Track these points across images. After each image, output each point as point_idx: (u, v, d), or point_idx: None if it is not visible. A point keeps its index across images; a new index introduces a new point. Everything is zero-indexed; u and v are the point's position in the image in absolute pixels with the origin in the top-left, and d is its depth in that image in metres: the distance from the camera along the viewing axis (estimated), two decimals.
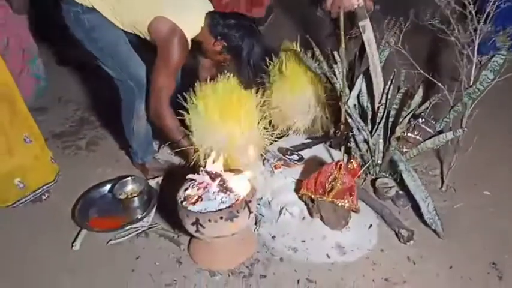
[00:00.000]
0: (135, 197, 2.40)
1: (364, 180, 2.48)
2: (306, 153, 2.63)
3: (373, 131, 2.34)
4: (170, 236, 2.21)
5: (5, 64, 2.31)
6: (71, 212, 2.38)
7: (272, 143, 2.62)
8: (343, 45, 2.28)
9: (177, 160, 2.71)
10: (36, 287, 2.04)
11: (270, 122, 2.63)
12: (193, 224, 1.91)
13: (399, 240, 2.11)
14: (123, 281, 2.02)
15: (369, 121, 2.40)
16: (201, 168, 2.07)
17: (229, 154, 2.30)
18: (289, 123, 2.78)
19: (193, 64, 2.63)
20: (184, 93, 2.34)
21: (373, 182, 2.45)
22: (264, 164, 2.53)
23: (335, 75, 2.45)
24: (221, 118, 2.33)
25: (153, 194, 2.43)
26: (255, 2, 3.22)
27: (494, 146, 2.69)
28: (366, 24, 2.27)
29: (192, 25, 2.25)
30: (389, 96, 2.27)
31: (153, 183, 2.52)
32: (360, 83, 2.43)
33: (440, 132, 2.34)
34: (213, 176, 2.02)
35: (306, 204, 2.25)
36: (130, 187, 2.47)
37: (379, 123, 2.32)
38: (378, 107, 2.33)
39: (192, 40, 2.28)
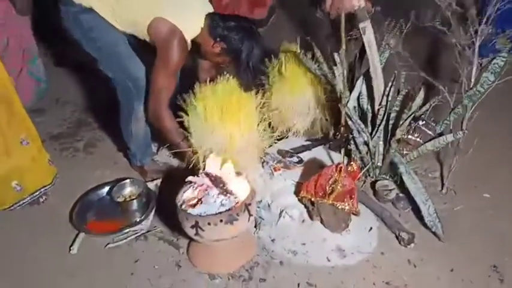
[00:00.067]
0: (133, 199, 2.38)
1: (364, 183, 2.47)
2: (306, 156, 2.63)
3: (373, 133, 2.33)
4: (169, 239, 2.20)
5: (3, 65, 2.28)
6: (69, 215, 2.36)
7: (271, 145, 2.62)
8: (343, 47, 2.27)
9: (176, 162, 2.69)
10: None
11: (269, 124, 2.62)
12: (192, 227, 1.89)
13: (399, 243, 2.10)
14: (121, 284, 2.00)
15: (369, 123, 2.39)
16: (201, 171, 2.05)
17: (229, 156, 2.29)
18: (289, 124, 2.78)
19: (192, 65, 2.61)
20: (184, 95, 2.33)
21: (373, 184, 2.44)
22: (263, 166, 2.52)
23: (335, 76, 2.44)
24: (221, 120, 2.32)
25: (152, 196, 2.41)
26: (257, 2, 3.21)
27: (494, 148, 2.68)
28: (366, 25, 2.26)
29: (192, 26, 2.24)
30: (389, 98, 2.26)
31: (151, 185, 2.51)
32: (360, 85, 2.42)
33: (441, 134, 2.32)
34: (212, 179, 2.01)
35: (305, 207, 2.24)
36: (128, 190, 2.45)
37: (379, 125, 2.30)
38: (378, 109, 2.32)
39: (191, 42, 2.26)
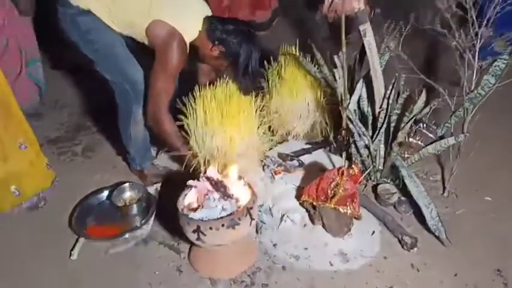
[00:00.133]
0: (133, 204, 2.37)
1: (365, 186, 2.46)
2: (306, 159, 2.62)
3: (374, 136, 2.32)
4: (170, 244, 2.18)
5: (0, 68, 2.27)
6: (68, 220, 2.33)
7: (271, 148, 2.61)
8: (343, 49, 2.26)
9: (175, 166, 2.67)
10: None
11: (269, 127, 2.62)
12: (194, 231, 1.87)
13: (402, 247, 2.09)
14: None
15: (369, 126, 2.38)
16: (201, 175, 2.04)
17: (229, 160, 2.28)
18: (289, 128, 2.77)
19: (192, 69, 2.60)
20: (183, 98, 2.31)
21: (374, 188, 2.43)
22: (264, 169, 2.51)
23: (335, 79, 2.43)
24: (221, 123, 2.31)
25: (152, 201, 2.39)
26: (259, 5, 3.20)
27: (495, 151, 2.67)
28: (366, 28, 2.25)
29: (190, 29, 2.23)
30: (390, 101, 2.25)
31: (151, 189, 2.49)
32: (360, 88, 2.41)
33: (442, 137, 2.32)
34: (213, 183, 1.99)
35: (307, 211, 2.23)
36: (128, 194, 2.44)
37: (380, 128, 2.30)
38: (379, 112, 2.31)
39: (190, 45, 2.25)
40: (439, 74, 3.08)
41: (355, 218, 2.14)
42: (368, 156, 2.41)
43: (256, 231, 2.21)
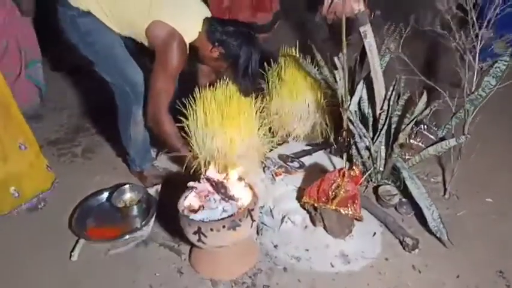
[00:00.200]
0: (133, 205, 2.36)
1: (366, 188, 2.45)
2: (307, 160, 2.61)
3: (375, 137, 2.32)
4: (170, 246, 2.17)
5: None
6: (68, 221, 2.32)
7: (272, 150, 2.60)
8: (344, 51, 2.26)
9: (175, 167, 2.67)
10: None
11: (269, 129, 2.61)
12: (195, 233, 1.87)
13: (404, 248, 2.08)
14: None
15: (370, 128, 2.38)
16: (202, 176, 2.03)
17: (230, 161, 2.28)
18: (289, 129, 2.77)
19: (192, 70, 2.60)
20: (183, 100, 2.31)
21: (375, 189, 2.42)
22: (264, 171, 2.50)
23: (336, 81, 2.43)
24: (221, 125, 2.30)
25: (152, 202, 2.38)
26: (260, 7, 3.20)
27: (496, 153, 2.67)
28: (367, 29, 2.25)
29: (190, 29, 2.22)
30: (391, 103, 2.25)
31: (152, 191, 2.48)
32: (361, 89, 2.41)
33: (442, 138, 2.32)
34: (214, 184, 1.99)
35: (308, 212, 2.22)
36: (128, 195, 2.43)
37: (381, 130, 2.29)
38: (380, 114, 2.31)
39: (190, 46, 2.25)
40: (439, 76, 3.08)
41: (356, 219, 2.13)
42: (369, 157, 2.40)
43: (257, 233, 2.20)
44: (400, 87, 2.26)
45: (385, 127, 2.28)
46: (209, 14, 2.33)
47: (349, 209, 2.07)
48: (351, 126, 2.31)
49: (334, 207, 2.07)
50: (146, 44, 2.23)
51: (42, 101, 3.29)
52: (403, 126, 2.19)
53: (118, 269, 2.08)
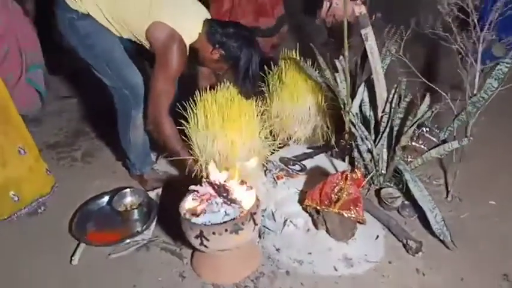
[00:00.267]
0: (134, 209, 2.35)
1: (368, 191, 2.44)
2: (308, 163, 2.60)
3: (377, 140, 2.31)
4: (172, 250, 2.15)
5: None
6: (68, 226, 2.31)
7: (273, 153, 2.59)
8: (346, 53, 2.25)
9: (176, 171, 2.65)
10: None
11: (270, 132, 2.60)
12: (197, 236, 1.85)
13: (407, 251, 2.07)
14: None
15: (372, 130, 2.37)
16: (204, 179, 2.02)
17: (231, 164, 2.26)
18: (290, 132, 2.76)
19: (192, 72, 2.59)
20: (184, 102, 2.30)
21: (377, 192, 2.41)
22: (266, 174, 2.49)
23: (337, 83, 2.42)
24: (222, 127, 2.29)
25: (153, 206, 2.37)
26: (261, 12, 3.21)
27: (497, 155, 2.68)
28: (368, 32, 2.25)
29: (190, 30, 2.21)
30: (393, 105, 2.24)
31: (152, 194, 2.46)
32: (362, 92, 2.41)
33: (444, 141, 2.31)
34: (216, 187, 1.97)
35: (310, 215, 2.21)
36: (129, 199, 2.41)
37: (383, 132, 2.29)
38: (382, 116, 2.30)
39: (190, 47, 2.24)
40: (439, 78, 3.08)
41: (359, 222, 2.12)
42: (371, 160, 2.40)
43: (259, 236, 2.19)
44: (400, 90, 2.25)
45: (387, 130, 2.28)
46: (209, 16, 2.33)
47: (352, 212, 2.06)
48: (353, 129, 2.31)
49: (336, 210, 2.05)
50: (146, 45, 2.22)
51: (43, 104, 3.27)
52: (405, 129, 2.18)
53: (119, 273, 2.06)
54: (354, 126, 2.29)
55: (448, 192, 2.39)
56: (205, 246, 1.86)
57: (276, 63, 2.79)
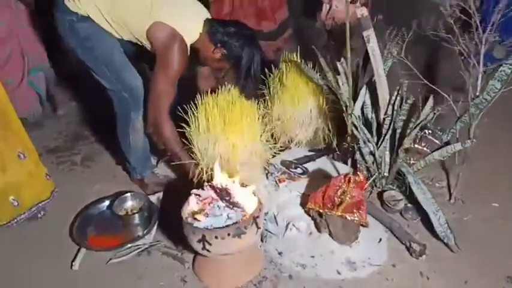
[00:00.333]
0: (135, 213, 2.33)
1: (370, 193, 2.43)
2: (310, 166, 2.58)
3: (379, 142, 2.30)
4: (174, 254, 2.13)
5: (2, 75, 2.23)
6: (69, 230, 2.29)
7: (274, 156, 2.58)
8: (348, 55, 2.24)
9: (177, 175, 2.63)
10: None
11: (271, 135, 2.59)
12: (199, 241, 1.83)
13: (411, 254, 2.05)
14: None
15: (374, 133, 2.36)
16: (205, 183, 2.00)
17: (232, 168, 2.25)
18: (291, 135, 2.74)
19: (192, 73, 2.57)
20: (185, 106, 2.28)
21: (380, 194, 2.40)
22: (267, 177, 2.48)
23: (339, 86, 2.41)
24: (223, 130, 2.28)
25: (154, 210, 2.35)
26: (262, 15, 3.21)
27: (500, 156, 2.67)
28: (370, 34, 2.24)
29: (191, 30, 2.20)
30: (395, 107, 2.23)
31: (153, 198, 2.44)
32: (364, 94, 2.40)
33: (447, 143, 2.30)
34: (218, 191, 1.96)
35: (313, 218, 2.19)
36: (130, 203, 2.39)
37: (385, 134, 2.28)
38: (384, 118, 2.29)
39: (190, 47, 2.23)
40: (441, 80, 3.07)
41: (362, 225, 2.11)
42: (373, 162, 2.38)
43: (261, 240, 2.17)
44: (402, 92, 2.24)
45: (389, 132, 2.26)
46: (209, 16, 2.32)
47: (355, 215, 2.04)
48: (355, 131, 2.29)
49: (339, 214, 2.04)
50: (147, 46, 2.21)
51: (43, 109, 3.26)
52: (408, 131, 2.17)
53: (120, 278, 2.05)
54: (356, 128, 2.28)
55: (450, 194, 2.37)
56: (207, 250, 1.84)
57: (277, 66, 2.78)
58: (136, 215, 2.32)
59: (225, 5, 3.14)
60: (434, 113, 2.25)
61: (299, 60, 2.66)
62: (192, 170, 2.31)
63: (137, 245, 2.17)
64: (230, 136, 2.29)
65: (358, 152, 2.38)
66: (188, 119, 2.30)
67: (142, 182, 2.59)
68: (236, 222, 1.84)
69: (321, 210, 2.10)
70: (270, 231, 2.19)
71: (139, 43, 2.23)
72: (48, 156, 2.95)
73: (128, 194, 2.41)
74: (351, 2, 2.44)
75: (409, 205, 2.29)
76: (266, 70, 2.70)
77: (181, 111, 2.29)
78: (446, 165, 2.56)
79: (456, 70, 2.11)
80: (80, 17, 2.14)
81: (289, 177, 2.48)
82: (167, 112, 2.22)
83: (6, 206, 2.29)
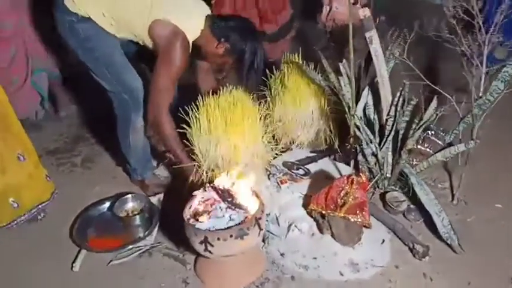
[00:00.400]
0: (136, 215, 2.32)
1: (372, 194, 2.42)
2: (312, 167, 2.56)
3: (382, 143, 2.29)
4: (175, 255, 2.12)
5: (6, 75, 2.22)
6: (69, 232, 2.27)
7: (276, 157, 2.57)
8: (351, 56, 2.24)
9: (178, 176, 2.61)
10: None
11: (273, 136, 2.58)
12: (201, 242, 1.82)
13: (414, 256, 2.04)
14: None
15: (376, 134, 2.35)
16: (207, 184, 1.99)
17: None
18: (293, 136, 2.73)
19: (192, 78, 2.56)
20: (186, 107, 2.27)
21: (382, 196, 2.39)
22: (269, 178, 2.46)
23: (341, 87, 2.40)
24: (225, 132, 2.26)
25: (155, 211, 2.33)
26: (263, 17, 3.22)
27: (502, 157, 2.66)
28: (372, 35, 2.23)
29: (193, 27, 2.19)
30: (398, 108, 2.22)
31: (154, 200, 2.43)
32: (366, 95, 2.39)
33: (450, 144, 2.29)
34: (219, 192, 1.94)
35: (315, 220, 2.18)
36: (130, 205, 2.38)
37: (388, 135, 2.27)
38: (387, 119, 2.28)
39: (192, 44, 2.21)
40: (443, 81, 3.06)
41: (365, 226, 2.09)
42: (375, 163, 2.37)
43: (263, 241, 2.16)
44: (404, 93, 2.24)
45: (392, 133, 2.25)
46: (209, 12, 2.31)
47: (358, 217, 2.03)
48: (358, 132, 2.28)
49: (342, 215, 2.03)
50: (148, 44, 2.20)
51: (45, 110, 3.24)
52: (411, 132, 2.16)
53: (121, 279, 2.03)
54: (359, 129, 2.27)
55: (453, 195, 2.37)
56: (209, 252, 1.83)
57: (279, 67, 2.78)
58: (137, 217, 2.30)
59: (227, 7, 3.14)
60: (437, 114, 2.24)
61: (300, 62, 2.66)
62: (192, 172, 2.29)
63: (138, 247, 2.16)
64: (232, 137, 2.27)
65: (360, 153, 2.37)
66: (189, 120, 2.28)
67: (143, 183, 2.57)
68: (238, 224, 1.83)
69: (323, 212, 2.09)
70: (272, 233, 2.18)
71: (140, 42, 2.22)
72: (49, 157, 2.93)
73: (129, 196, 2.40)
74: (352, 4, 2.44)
75: (412, 206, 2.29)
76: (268, 71, 2.69)
77: (183, 112, 2.28)
78: (449, 166, 2.55)
79: (459, 71, 2.10)
80: (80, 18, 2.13)
81: (291, 178, 2.47)
82: (167, 110, 2.21)
83: (6, 207, 2.28)
